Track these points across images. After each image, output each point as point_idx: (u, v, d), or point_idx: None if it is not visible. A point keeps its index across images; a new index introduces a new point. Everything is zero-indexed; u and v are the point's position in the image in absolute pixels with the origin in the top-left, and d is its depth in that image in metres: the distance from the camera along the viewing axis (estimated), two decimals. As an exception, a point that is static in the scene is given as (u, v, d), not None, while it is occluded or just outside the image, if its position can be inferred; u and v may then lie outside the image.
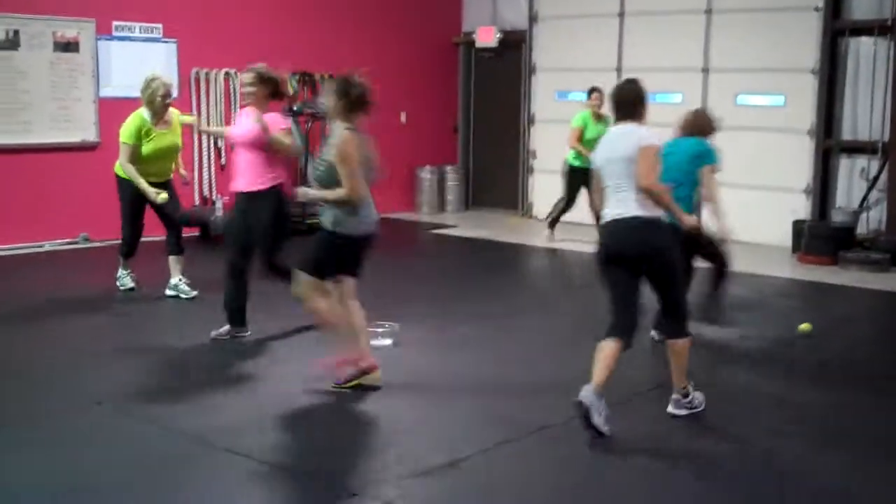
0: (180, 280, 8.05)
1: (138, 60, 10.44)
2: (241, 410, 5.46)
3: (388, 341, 6.76)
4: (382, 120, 13.00)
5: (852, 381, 6.24)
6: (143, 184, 7.69)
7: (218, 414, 5.41)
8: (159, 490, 4.46)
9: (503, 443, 5.01)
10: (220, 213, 10.75)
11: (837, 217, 10.58)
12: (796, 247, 10.59)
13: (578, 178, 10.41)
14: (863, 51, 10.67)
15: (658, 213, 5.25)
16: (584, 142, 10.49)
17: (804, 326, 7.33)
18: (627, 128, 5.35)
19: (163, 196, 7.68)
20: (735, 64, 11.33)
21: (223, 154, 11.60)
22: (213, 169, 11.56)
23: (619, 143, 5.31)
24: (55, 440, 5.02)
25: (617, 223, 5.25)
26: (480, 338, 7.11)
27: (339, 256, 5.73)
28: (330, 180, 5.57)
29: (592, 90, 10.80)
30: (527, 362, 6.55)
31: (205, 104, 11.41)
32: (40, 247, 10.21)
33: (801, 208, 11.06)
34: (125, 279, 8.23)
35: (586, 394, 5.06)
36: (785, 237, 10.88)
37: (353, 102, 5.59)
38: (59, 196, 10.36)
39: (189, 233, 10.34)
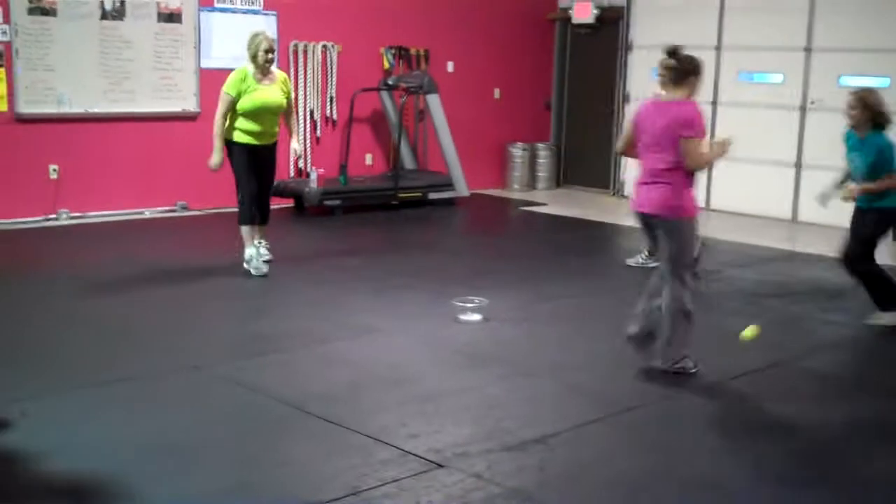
0: (260, 243, 8.03)
1: (239, 32, 10.54)
2: (335, 379, 5.56)
3: (477, 316, 6.78)
4: (475, 95, 13.23)
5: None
6: (218, 141, 7.78)
7: (313, 381, 5.53)
8: (251, 452, 4.57)
9: (593, 421, 5.01)
10: (314, 184, 10.86)
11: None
12: (896, 234, 10.30)
13: None
14: (973, 31, 10.30)
15: None
16: None
17: (749, 333, 5.83)
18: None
19: (216, 161, 7.73)
20: (838, 44, 11.02)
21: (318, 127, 11.75)
22: (308, 141, 11.71)
23: None
24: (153, 401, 5.18)
25: None
26: (571, 315, 7.10)
27: None
28: None
29: None
30: (617, 340, 6.50)
31: (302, 76, 11.55)
32: (140, 213, 10.47)
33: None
34: (256, 262, 7.83)
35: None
36: (886, 223, 10.57)
37: None
38: (160, 164, 10.60)
39: (280, 203, 10.52)
